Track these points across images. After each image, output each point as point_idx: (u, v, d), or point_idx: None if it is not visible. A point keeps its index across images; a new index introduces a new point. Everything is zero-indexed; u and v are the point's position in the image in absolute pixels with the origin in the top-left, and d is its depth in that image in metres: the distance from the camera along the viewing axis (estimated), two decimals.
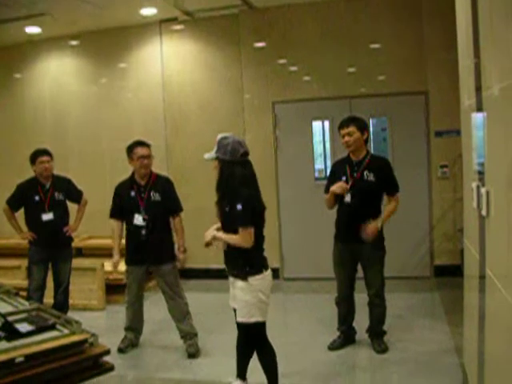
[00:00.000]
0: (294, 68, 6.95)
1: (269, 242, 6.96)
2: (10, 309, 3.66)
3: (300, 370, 4.26)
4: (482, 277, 2.93)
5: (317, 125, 7.07)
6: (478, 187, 2.96)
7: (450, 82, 6.29)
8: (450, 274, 6.45)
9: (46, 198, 5.20)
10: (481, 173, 2.96)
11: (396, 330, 4.82)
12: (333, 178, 4.56)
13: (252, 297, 3.47)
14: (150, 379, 4.28)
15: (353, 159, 4.46)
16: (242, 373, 3.82)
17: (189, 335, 4.69)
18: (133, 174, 4.73)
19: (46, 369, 2.97)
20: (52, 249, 5.27)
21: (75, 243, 7.34)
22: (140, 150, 4.60)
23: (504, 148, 2.40)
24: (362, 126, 4.40)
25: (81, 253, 7.49)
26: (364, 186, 4.34)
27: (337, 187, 4.38)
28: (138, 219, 4.59)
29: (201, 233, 7.02)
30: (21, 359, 2.88)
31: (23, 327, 3.24)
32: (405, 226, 6.55)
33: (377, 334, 4.56)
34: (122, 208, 4.69)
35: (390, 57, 6.62)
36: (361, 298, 4.67)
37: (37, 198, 5.18)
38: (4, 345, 3.01)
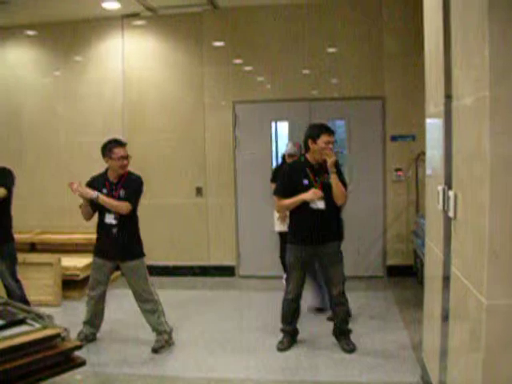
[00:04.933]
0: (254, 69, 7.03)
1: (225, 240, 7.15)
2: None
3: (260, 366, 4.34)
4: (447, 275, 3.09)
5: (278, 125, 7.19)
6: (443, 190, 3.12)
7: (406, 88, 6.59)
8: (402, 273, 6.73)
9: None
10: (447, 177, 3.11)
11: (353, 328, 4.92)
12: (290, 180, 4.52)
13: None
14: (112, 375, 4.25)
15: (312, 162, 4.46)
16: None
17: (157, 331, 4.72)
18: (106, 171, 4.69)
19: (19, 363, 2.95)
20: None
21: (28, 238, 7.25)
22: (120, 151, 4.57)
23: (473, 154, 2.56)
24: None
25: (34, 247, 7.33)
26: (328, 189, 4.40)
27: (313, 194, 4.36)
28: (110, 218, 4.59)
29: (159, 229, 7.14)
30: None
31: None
32: (360, 226, 6.74)
33: (344, 332, 4.61)
34: (92, 202, 4.60)
35: (349, 61, 6.79)
36: None
37: None
38: None
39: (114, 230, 4.61)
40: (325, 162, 4.38)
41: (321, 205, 4.40)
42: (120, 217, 4.59)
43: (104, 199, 4.51)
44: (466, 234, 2.71)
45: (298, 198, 4.42)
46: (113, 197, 4.58)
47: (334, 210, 4.51)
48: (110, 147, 4.59)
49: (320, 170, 4.46)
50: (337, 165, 4.44)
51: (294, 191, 4.44)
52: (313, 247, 4.50)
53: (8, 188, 4.98)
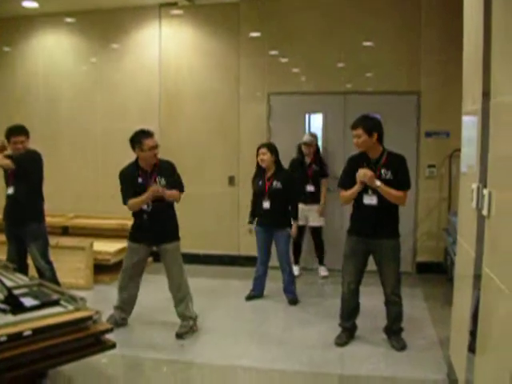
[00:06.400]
0: (290, 61, 7.03)
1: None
2: (9, 283, 3.69)
3: (285, 357, 4.38)
4: (477, 274, 3.06)
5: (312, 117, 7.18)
6: (478, 188, 3.09)
7: (442, 84, 6.50)
8: (431, 271, 6.69)
9: (11, 171, 5.07)
10: (482, 175, 3.08)
11: (380, 324, 4.84)
12: (350, 174, 4.44)
13: None
14: (139, 359, 4.33)
15: (370, 157, 4.38)
16: None
17: (183, 317, 4.79)
18: (137, 160, 4.75)
19: (52, 343, 3.04)
20: (14, 225, 5.19)
21: (61, 222, 7.40)
22: (149, 141, 4.62)
23: (510, 153, 2.52)
24: (370, 128, 4.29)
25: (67, 231, 7.48)
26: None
27: (363, 174, 4.27)
28: (145, 205, 4.68)
29: (191, 218, 7.20)
30: (29, 333, 2.94)
31: (27, 301, 3.29)
32: None
33: (395, 331, 4.57)
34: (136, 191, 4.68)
35: (385, 55, 6.74)
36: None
37: (8, 171, 5.10)
38: (11, 318, 3.06)
39: (150, 216, 4.70)
40: (380, 156, 4.38)
41: (373, 201, 4.34)
42: (153, 203, 4.67)
43: (169, 193, 4.65)
44: (499, 233, 2.68)
45: (354, 188, 4.38)
46: (150, 185, 4.64)
47: (389, 207, 4.38)
48: (139, 139, 4.63)
49: (376, 164, 4.36)
50: (401, 162, 4.41)
51: (354, 183, 4.38)
52: (366, 241, 4.42)
53: (20, 165, 4.98)
